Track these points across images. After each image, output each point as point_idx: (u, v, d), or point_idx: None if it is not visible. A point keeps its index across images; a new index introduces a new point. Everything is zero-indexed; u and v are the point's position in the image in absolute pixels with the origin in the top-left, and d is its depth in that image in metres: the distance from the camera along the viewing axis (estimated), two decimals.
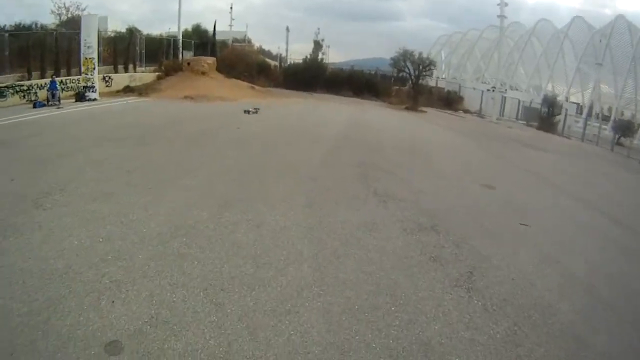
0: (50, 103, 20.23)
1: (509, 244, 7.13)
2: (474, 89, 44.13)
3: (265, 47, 58.73)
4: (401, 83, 39.46)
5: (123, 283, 4.69)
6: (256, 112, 18.72)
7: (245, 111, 18.78)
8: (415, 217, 7.70)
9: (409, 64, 34.70)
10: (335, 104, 28.84)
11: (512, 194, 10.77)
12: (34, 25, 28.36)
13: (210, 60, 31.58)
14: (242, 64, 35.00)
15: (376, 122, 22.43)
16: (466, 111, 38.56)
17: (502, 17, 35.16)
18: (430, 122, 26.92)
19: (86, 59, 22.56)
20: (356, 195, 8.74)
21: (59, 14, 33.23)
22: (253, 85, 31.84)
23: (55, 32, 26.52)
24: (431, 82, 41.56)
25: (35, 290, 4.45)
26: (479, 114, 38.57)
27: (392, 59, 35.62)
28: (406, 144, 16.36)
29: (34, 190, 7.55)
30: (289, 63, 44.12)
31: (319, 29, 40.76)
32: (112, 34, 31.20)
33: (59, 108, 19.53)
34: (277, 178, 9.39)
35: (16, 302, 4.24)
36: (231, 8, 65.31)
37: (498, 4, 34.44)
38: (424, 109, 32.32)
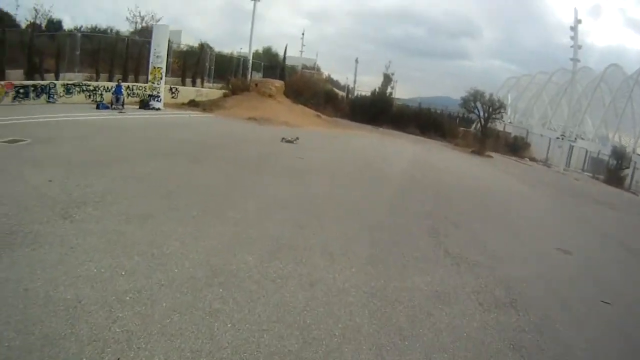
0: (113, 106, 21.08)
1: (593, 328, 5.99)
2: (542, 135, 43.04)
3: (334, 77, 59.48)
4: (466, 124, 38.54)
5: (136, 336, 3.86)
6: (292, 142, 17.73)
7: (282, 139, 17.87)
8: (491, 288, 6.54)
9: (479, 104, 33.72)
10: (401, 141, 27.99)
11: (590, 261, 9.54)
12: (109, 31, 29.90)
13: (279, 83, 31.88)
14: (309, 91, 35.33)
15: (443, 165, 21.20)
16: (532, 159, 37.25)
17: (575, 60, 33.11)
18: (498, 169, 25.31)
19: (154, 67, 23.32)
20: (426, 254, 7.58)
21: (134, 22, 35.08)
22: (319, 114, 31.78)
23: (127, 39, 28.15)
24: (499, 126, 40.26)
25: (34, 321, 3.82)
26: (545, 162, 37.20)
27: (462, 98, 34.85)
28: (476, 193, 15.06)
29: (68, 198, 7.12)
30: (356, 94, 44.23)
31: (389, 62, 40.26)
32: (184, 48, 32.67)
33: (120, 112, 20.10)
34: (337, 222, 8.38)
35: (10, 330, 3.65)
36: (303, 34, 67.45)
37: (571, 46, 32.63)
38: (490, 153, 31.01)
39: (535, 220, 13.07)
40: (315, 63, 58.46)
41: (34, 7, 29.58)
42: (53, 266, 4.83)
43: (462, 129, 38.62)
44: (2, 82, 18.98)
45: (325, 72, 58.10)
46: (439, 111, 41.88)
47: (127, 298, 4.41)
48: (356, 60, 54.47)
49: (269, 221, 7.56)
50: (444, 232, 9.09)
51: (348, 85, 51.03)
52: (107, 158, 10.45)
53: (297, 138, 18.02)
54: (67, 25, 30.87)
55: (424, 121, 37.27)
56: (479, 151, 30.68)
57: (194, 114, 23.57)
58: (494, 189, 17.08)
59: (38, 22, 29.61)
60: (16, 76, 20.60)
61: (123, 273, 4.88)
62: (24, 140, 11.15)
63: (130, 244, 5.62)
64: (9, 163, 9.03)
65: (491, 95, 34.80)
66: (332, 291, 5.39)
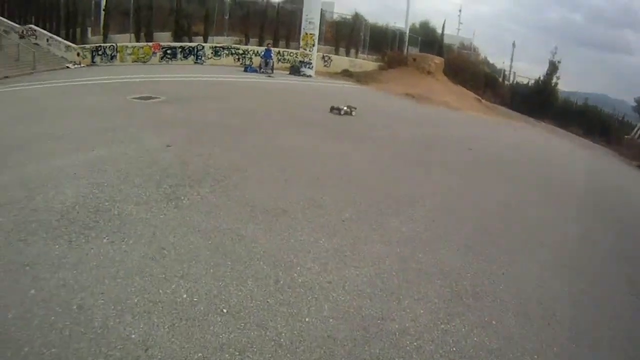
0: (262, 70, 21.18)
1: None
2: None
3: (490, 60, 54.34)
4: (626, 130, 33.62)
5: None
6: (350, 113, 13.38)
7: (332, 108, 13.75)
8: None
9: None
10: (568, 143, 23.18)
11: None
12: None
13: (438, 60, 29.23)
14: (467, 72, 32.60)
15: (616, 182, 15.82)
16: None
17: None
18: None
19: (306, 34, 22.83)
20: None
21: None
22: (480, 98, 28.62)
23: (277, 5, 28.87)
24: None
25: None
26: None
27: (636, 100, 30.87)
28: None
29: (183, 171, 5.76)
30: (515, 81, 39.80)
31: (556, 47, 33.89)
32: (337, 18, 32.19)
33: (269, 76, 19.89)
34: (527, 257, 5.35)
35: None
36: (460, 11, 62.63)
37: None
38: None
39: None
40: (471, 43, 54.03)
41: None
42: (128, 276, 3.39)
43: (626, 136, 32.89)
44: (150, 43, 20.73)
45: (482, 54, 53.33)
46: (607, 112, 35.67)
47: None
48: (513, 44, 49.19)
49: (445, 242, 5.10)
50: None
51: (504, 70, 45.84)
52: (243, 123, 9.17)
53: (355, 108, 14.05)
54: None
55: (590, 121, 32.46)
56: None
57: (348, 85, 22.22)
58: None
59: None
60: (164, 38, 22.26)
61: (225, 310, 3.13)
62: (158, 98, 10.52)
63: (247, 257, 3.88)
64: (131, 121, 8.24)
65: None
66: None
